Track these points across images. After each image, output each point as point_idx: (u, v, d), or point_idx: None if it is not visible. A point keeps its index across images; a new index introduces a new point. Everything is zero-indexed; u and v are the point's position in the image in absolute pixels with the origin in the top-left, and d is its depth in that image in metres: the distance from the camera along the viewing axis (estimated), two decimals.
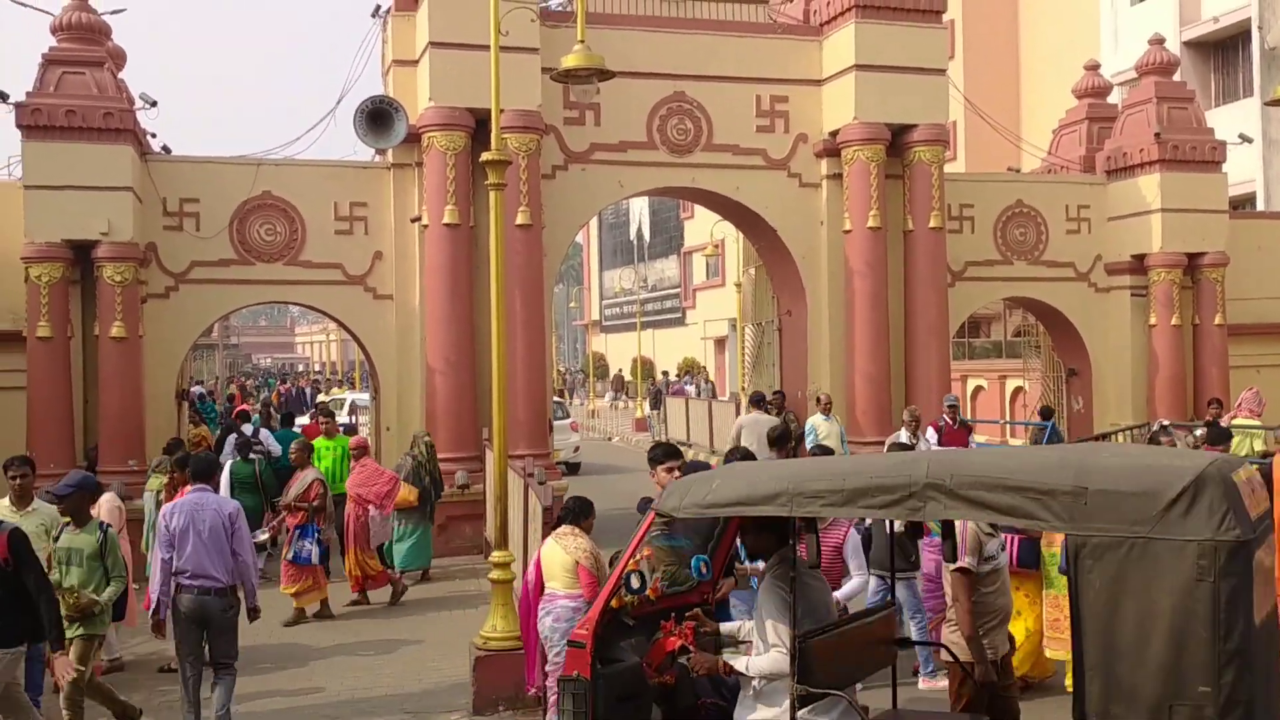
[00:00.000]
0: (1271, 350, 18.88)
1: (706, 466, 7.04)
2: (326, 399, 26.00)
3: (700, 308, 43.65)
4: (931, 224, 16.36)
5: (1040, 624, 8.16)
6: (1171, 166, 17.36)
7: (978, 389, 27.16)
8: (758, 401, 15.64)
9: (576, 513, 7.21)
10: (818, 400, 15.66)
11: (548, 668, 7.01)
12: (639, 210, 48.17)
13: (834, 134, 16.31)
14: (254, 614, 7.73)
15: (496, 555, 8.42)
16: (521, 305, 14.54)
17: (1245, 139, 19.55)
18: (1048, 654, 8.20)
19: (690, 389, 34.60)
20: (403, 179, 15.14)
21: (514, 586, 8.59)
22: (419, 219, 14.85)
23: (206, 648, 7.52)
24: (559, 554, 7.09)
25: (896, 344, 16.57)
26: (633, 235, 48.80)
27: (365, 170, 15.59)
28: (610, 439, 32.45)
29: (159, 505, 9.93)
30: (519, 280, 14.44)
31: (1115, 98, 21.06)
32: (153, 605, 7.90)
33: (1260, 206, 24.24)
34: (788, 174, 16.61)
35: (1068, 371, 18.88)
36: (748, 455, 11.04)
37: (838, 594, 6.23)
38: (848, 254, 16.35)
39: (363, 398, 28.67)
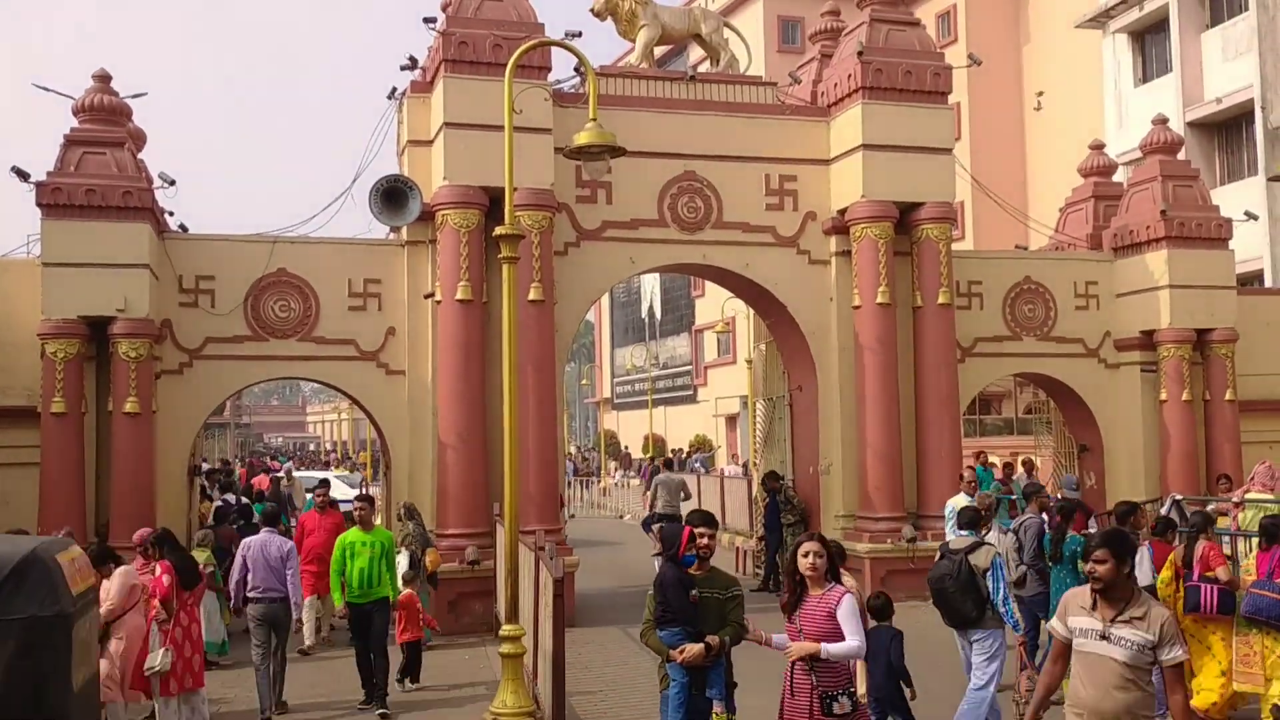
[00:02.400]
0: None
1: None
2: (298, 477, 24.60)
3: (711, 385, 43.73)
4: (940, 300, 16.46)
5: (1231, 665, 9.22)
6: (1178, 243, 17.49)
7: (970, 467, 27.00)
8: (668, 464, 21.04)
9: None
10: (962, 477, 15.54)
11: None
12: (650, 288, 48.49)
13: (842, 212, 16.50)
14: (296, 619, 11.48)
15: (507, 629, 8.38)
16: (533, 380, 14.60)
17: (1251, 216, 19.69)
18: (1235, 687, 9.20)
19: (700, 466, 34.50)
20: (416, 256, 15.32)
21: (524, 661, 8.54)
22: (432, 295, 15.00)
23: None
24: None
25: (907, 419, 16.57)
26: (644, 313, 49.06)
27: (379, 248, 15.79)
28: (622, 517, 32.30)
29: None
30: (531, 355, 14.52)
31: (1120, 176, 21.31)
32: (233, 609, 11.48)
33: (1268, 283, 24.33)
34: (797, 250, 16.77)
35: (1079, 447, 18.83)
36: (668, 517, 16.65)
37: (829, 647, 6.15)
38: (857, 329, 16.43)
39: (347, 476, 28.59)
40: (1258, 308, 18.84)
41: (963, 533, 9.22)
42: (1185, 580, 9.30)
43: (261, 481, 20.71)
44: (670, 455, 40.27)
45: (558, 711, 7.80)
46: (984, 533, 9.58)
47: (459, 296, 14.62)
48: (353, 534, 10.93)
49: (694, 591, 6.63)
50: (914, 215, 16.52)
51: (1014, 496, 15.33)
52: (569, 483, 33.85)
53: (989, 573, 8.62)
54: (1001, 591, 8.65)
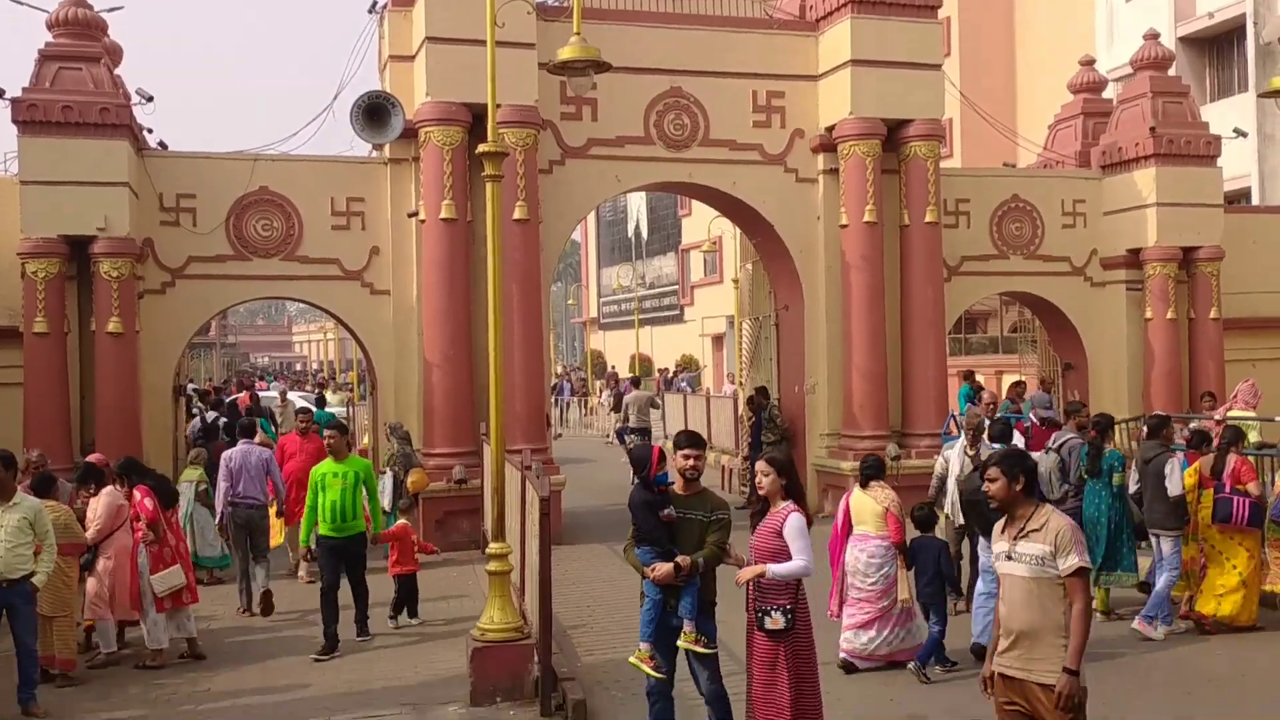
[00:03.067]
0: (1266, 344, 18.92)
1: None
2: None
3: (698, 304, 43.64)
4: (928, 219, 16.39)
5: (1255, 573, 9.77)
6: (1167, 161, 17.39)
7: (959, 384, 27.16)
8: (635, 382, 24.24)
9: (876, 469, 9.12)
10: (980, 398, 15.55)
11: (853, 594, 8.87)
12: (637, 207, 48.16)
13: (830, 129, 16.33)
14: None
15: (494, 547, 8.44)
16: (519, 300, 14.55)
17: (1240, 133, 19.58)
18: (1265, 587, 9.87)
19: (686, 386, 34.57)
20: (400, 174, 15.15)
21: (511, 578, 8.61)
22: (416, 214, 14.87)
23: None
24: (870, 503, 8.93)
25: (893, 339, 16.60)
26: (630, 233, 48.79)
27: (362, 166, 15.60)
28: (608, 437, 32.39)
29: (196, 494, 12.53)
30: (517, 275, 14.46)
31: (1110, 93, 21.10)
32: (219, 518, 11.66)
33: (1255, 201, 24.28)
34: (784, 169, 16.63)
35: (1064, 366, 18.92)
36: (639, 430, 20.54)
37: (775, 568, 6.30)
38: (844, 248, 16.37)
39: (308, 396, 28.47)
40: (1244, 226, 18.81)
41: (995, 446, 9.61)
42: (1216, 492, 9.77)
43: (244, 400, 20.93)
44: (658, 374, 40.45)
45: (545, 627, 7.90)
46: (975, 451, 9.76)
47: (443, 215, 14.49)
48: (325, 465, 10.20)
49: (666, 511, 6.60)
50: (902, 132, 16.37)
51: (1022, 416, 15.38)
52: (566, 403, 33.75)
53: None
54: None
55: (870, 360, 16.23)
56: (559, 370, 44.67)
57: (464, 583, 12.68)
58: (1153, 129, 17.20)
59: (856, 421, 16.28)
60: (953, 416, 16.86)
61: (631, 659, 6.75)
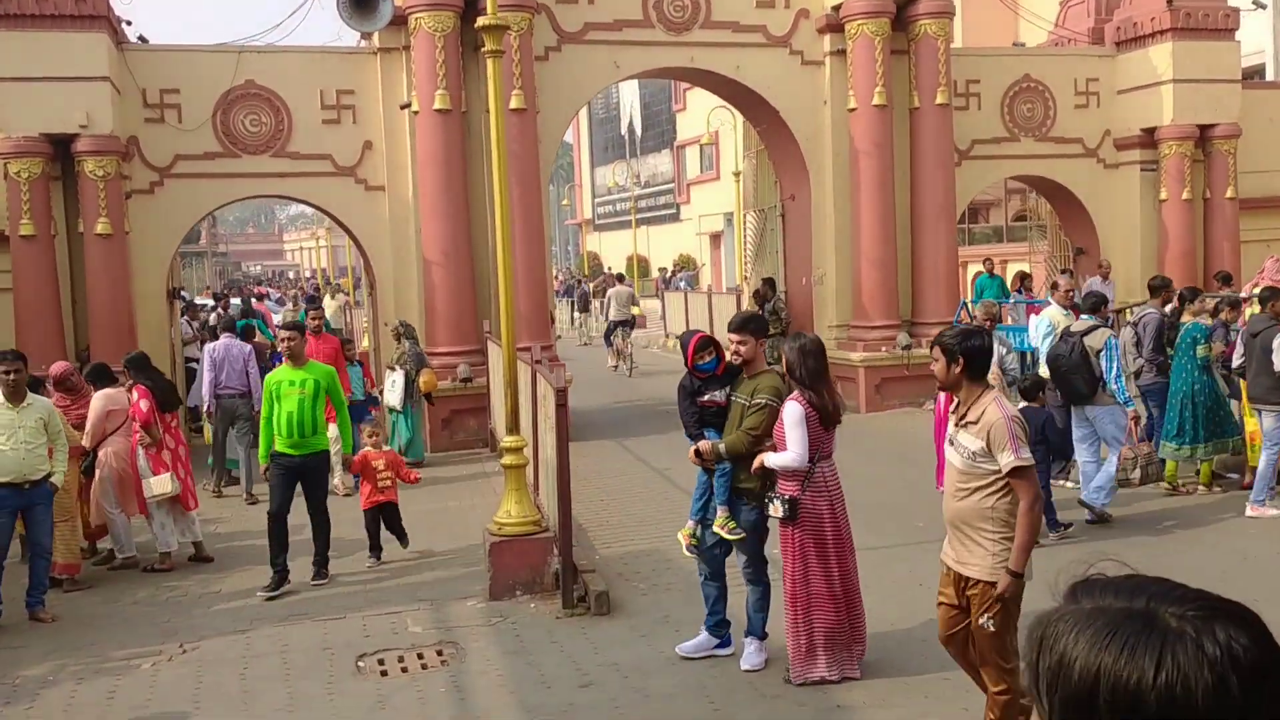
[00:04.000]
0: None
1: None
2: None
3: (695, 203, 43.01)
4: (938, 100, 15.88)
5: None
6: (1184, 35, 16.80)
7: (977, 274, 26.77)
8: (619, 278, 26.20)
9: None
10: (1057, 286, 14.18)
11: None
12: (629, 103, 47.18)
13: (836, 8, 15.71)
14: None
15: (509, 440, 8.17)
16: (518, 193, 14.05)
17: (1259, 4, 18.92)
18: None
19: (685, 285, 34.18)
20: (390, 64, 14.57)
21: (526, 472, 8.36)
22: (409, 105, 14.33)
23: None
24: None
25: (903, 226, 16.21)
26: (623, 130, 47.85)
27: (351, 56, 15.01)
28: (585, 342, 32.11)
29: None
30: (515, 167, 13.89)
31: None
32: (206, 407, 12.17)
33: (1270, 77, 23.61)
34: (789, 51, 16.04)
35: (1075, 250, 18.55)
36: (621, 323, 21.90)
37: (769, 459, 6.07)
38: (853, 133, 15.87)
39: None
40: (1260, 103, 18.23)
41: (1085, 317, 9.56)
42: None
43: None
44: (657, 274, 40.09)
45: (565, 519, 7.66)
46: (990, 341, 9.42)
47: (437, 106, 13.96)
48: (280, 372, 8.71)
49: (705, 397, 6.51)
50: (911, 10, 15.77)
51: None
52: (576, 306, 33.36)
53: (1103, 354, 9.07)
54: (1114, 371, 9.04)
55: (880, 248, 15.86)
56: (559, 275, 44.16)
57: (474, 482, 12.46)
58: (1169, 1, 16.57)
59: (866, 312, 15.96)
60: (964, 305, 16.57)
61: (679, 534, 6.69)
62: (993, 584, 4.87)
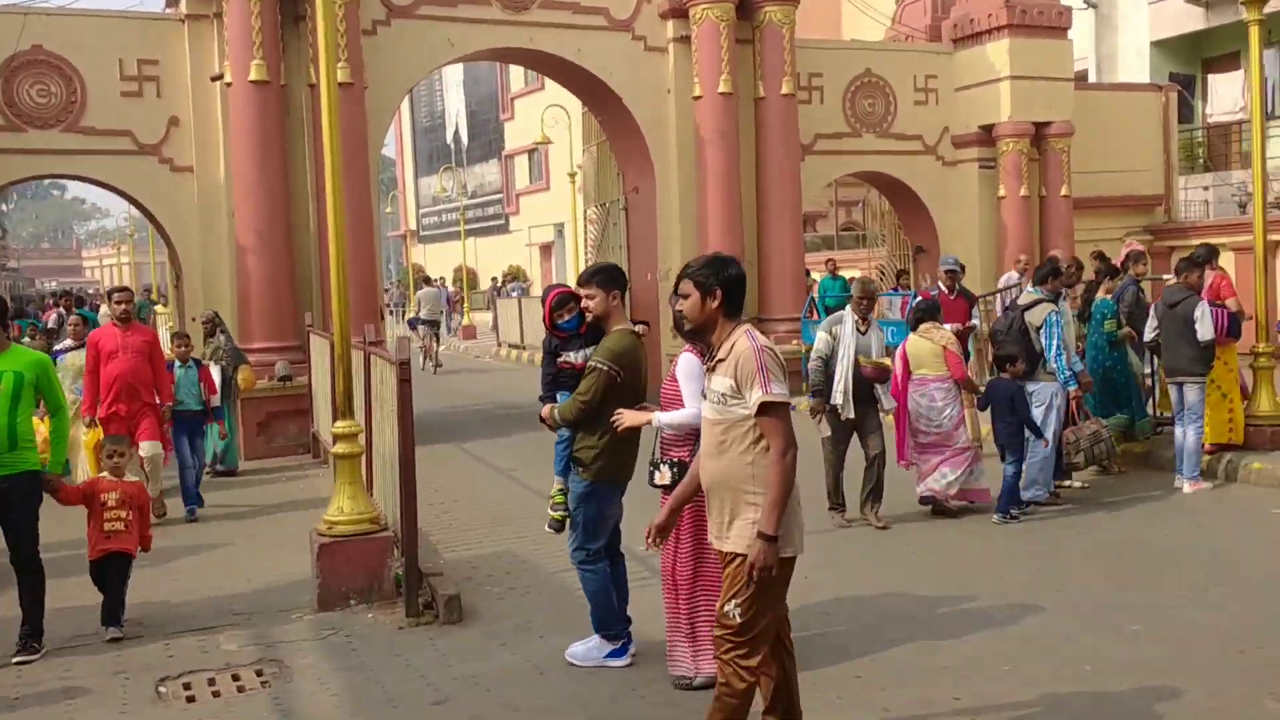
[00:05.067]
0: (1112, 223, 18.92)
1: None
2: None
3: (524, 213, 42.08)
4: (784, 90, 15.49)
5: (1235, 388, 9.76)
6: (1019, 32, 16.90)
7: (836, 274, 26.75)
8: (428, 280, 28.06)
9: (930, 311, 8.96)
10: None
11: (920, 439, 8.73)
12: (455, 111, 45.98)
13: None
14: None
15: (341, 425, 7.09)
16: (345, 173, 12.87)
17: (1091, 3, 19.27)
18: None
19: (517, 294, 33.26)
20: (200, 32, 13.22)
21: (360, 463, 7.30)
22: (220, 77, 13.02)
23: None
24: (926, 344, 8.76)
25: (749, 219, 15.71)
26: (449, 139, 46.56)
27: (156, 22, 13.58)
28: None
29: None
30: (341, 145, 12.82)
31: None
32: None
33: (1093, 80, 24.26)
34: (632, 36, 15.38)
35: (915, 249, 18.44)
36: (428, 322, 23.54)
37: (661, 416, 5.36)
38: (698, 122, 15.31)
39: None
40: (1089, 104, 18.53)
41: (1029, 290, 9.28)
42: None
43: (48, 316, 19.21)
44: (491, 283, 39.13)
45: (408, 513, 6.65)
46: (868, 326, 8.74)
47: (253, 77, 12.71)
48: None
49: (562, 358, 5.88)
50: None
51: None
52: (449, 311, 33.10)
53: (1042, 330, 8.76)
54: (1054, 348, 8.72)
55: (728, 242, 15.27)
56: (387, 289, 42.51)
57: (295, 490, 11.24)
58: None
59: None
60: (812, 300, 16.18)
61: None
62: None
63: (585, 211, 19.04)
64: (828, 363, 8.53)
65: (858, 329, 8.56)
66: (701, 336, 4.30)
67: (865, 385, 8.45)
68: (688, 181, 15.50)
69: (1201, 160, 21.65)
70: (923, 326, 8.91)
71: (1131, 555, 7.53)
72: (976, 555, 7.70)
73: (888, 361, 8.55)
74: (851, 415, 8.47)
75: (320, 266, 13.13)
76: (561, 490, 5.83)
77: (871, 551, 7.90)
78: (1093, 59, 22.95)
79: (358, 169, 13.17)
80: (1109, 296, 10.35)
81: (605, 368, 5.47)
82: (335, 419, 7.31)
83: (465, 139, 45.73)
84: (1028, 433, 8.60)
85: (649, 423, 5.39)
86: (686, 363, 5.30)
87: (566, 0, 14.84)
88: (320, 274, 13.17)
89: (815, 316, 16.18)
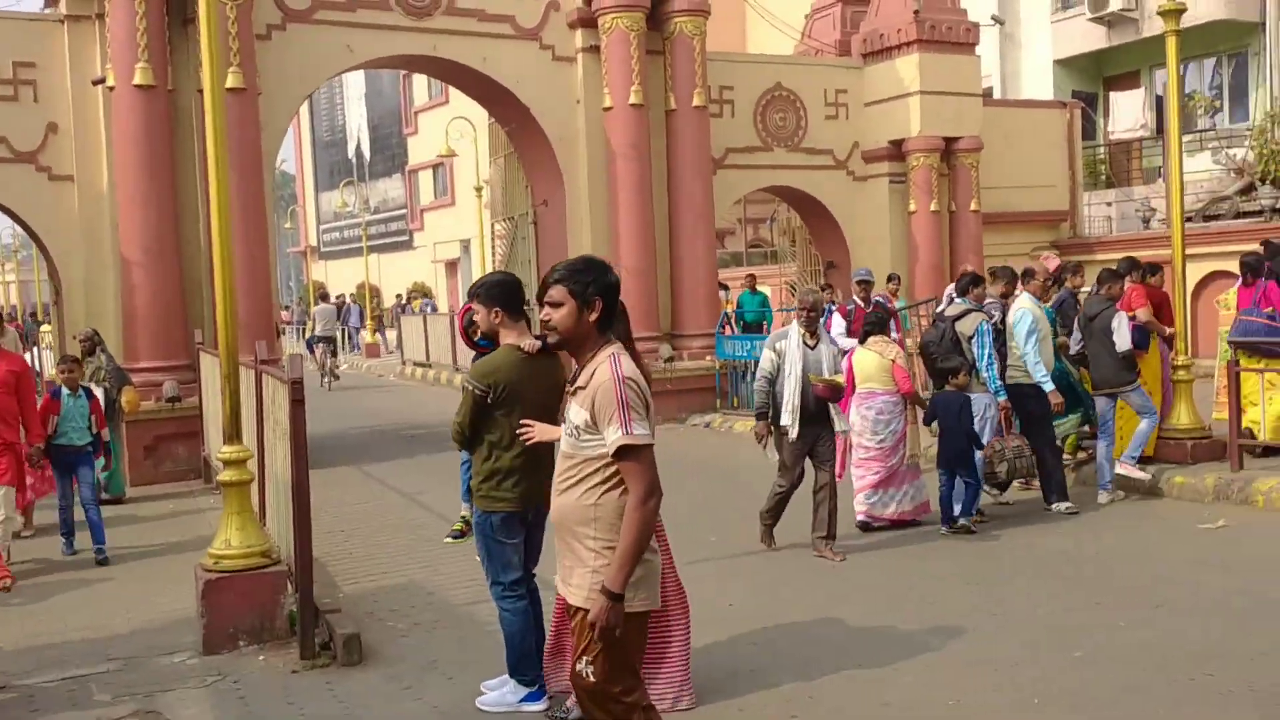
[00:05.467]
0: (1019, 238, 18.98)
1: None
2: None
3: (429, 229, 41.29)
4: (695, 102, 15.24)
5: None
6: (929, 47, 16.88)
7: (756, 289, 26.60)
8: (324, 297, 28.03)
9: (880, 324, 8.71)
10: (1031, 276, 11.05)
11: (860, 454, 8.56)
12: (357, 126, 45.04)
13: (588, 1, 14.78)
14: None
15: (228, 450, 6.51)
16: (236, 184, 12.22)
17: (998, 20, 19.40)
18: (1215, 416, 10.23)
19: (429, 309, 32.57)
20: (80, 33, 12.47)
21: (251, 493, 6.74)
22: (103, 81, 12.29)
23: None
24: (874, 358, 8.56)
25: (661, 233, 15.38)
26: (351, 153, 45.57)
27: (32, 24, 12.75)
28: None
29: None
30: (233, 155, 12.10)
31: None
32: None
33: (998, 97, 24.49)
34: (540, 45, 14.98)
35: (826, 264, 18.29)
36: (324, 338, 23.58)
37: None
38: (608, 134, 14.95)
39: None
40: (995, 119, 18.60)
41: (958, 300, 9.04)
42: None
43: None
44: (395, 300, 38.28)
45: (303, 547, 6.10)
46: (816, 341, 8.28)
47: (138, 81, 12.01)
48: None
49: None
50: (665, 7, 15.07)
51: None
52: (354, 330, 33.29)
53: (974, 340, 8.54)
54: (985, 358, 8.54)
55: (640, 256, 14.98)
56: (287, 307, 41.35)
57: (185, 520, 10.54)
58: (916, 12, 16.62)
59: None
60: (727, 315, 15.90)
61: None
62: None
63: (493, 226, 18.52)
64: (773, 382, 7.79)
65: (805, 343, 7.77)
66: (572, 352, 3.72)
67: (817, 405, 7.69)
68: (599, 194, 15.12)
69: (1104, 176, 21.94)
70: (871, 339, 8.68)
71: (1068, 573, 7.29)
72: (915, 576, 7.39)
73: (840, 378, 7.85)
74: (796, 436, 7.71)
75: (211, 281, 12.44)
76: (464, 518, 5.39)
77: (804, 575, 7.55)
78: (997, 76, 23.18)
79: (251, 178, 12.54)
80: (1049, 306, 10.22)
81: (469, 387, 5.06)
82: (224, 442, 6.73)
83: (368, 154, 44.80)
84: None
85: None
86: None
87: (471, 8, 14.38)
88: (212, 289, 12.47)
89: (730, 331, 15.94)
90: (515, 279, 5.42)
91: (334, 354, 23.95)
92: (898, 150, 17.31)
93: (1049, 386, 8.78)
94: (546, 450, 4.87)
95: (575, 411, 3.61)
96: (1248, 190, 18.70)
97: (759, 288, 18.84)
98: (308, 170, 51.25)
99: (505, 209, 17.44)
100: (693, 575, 7.21)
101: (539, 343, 5.02)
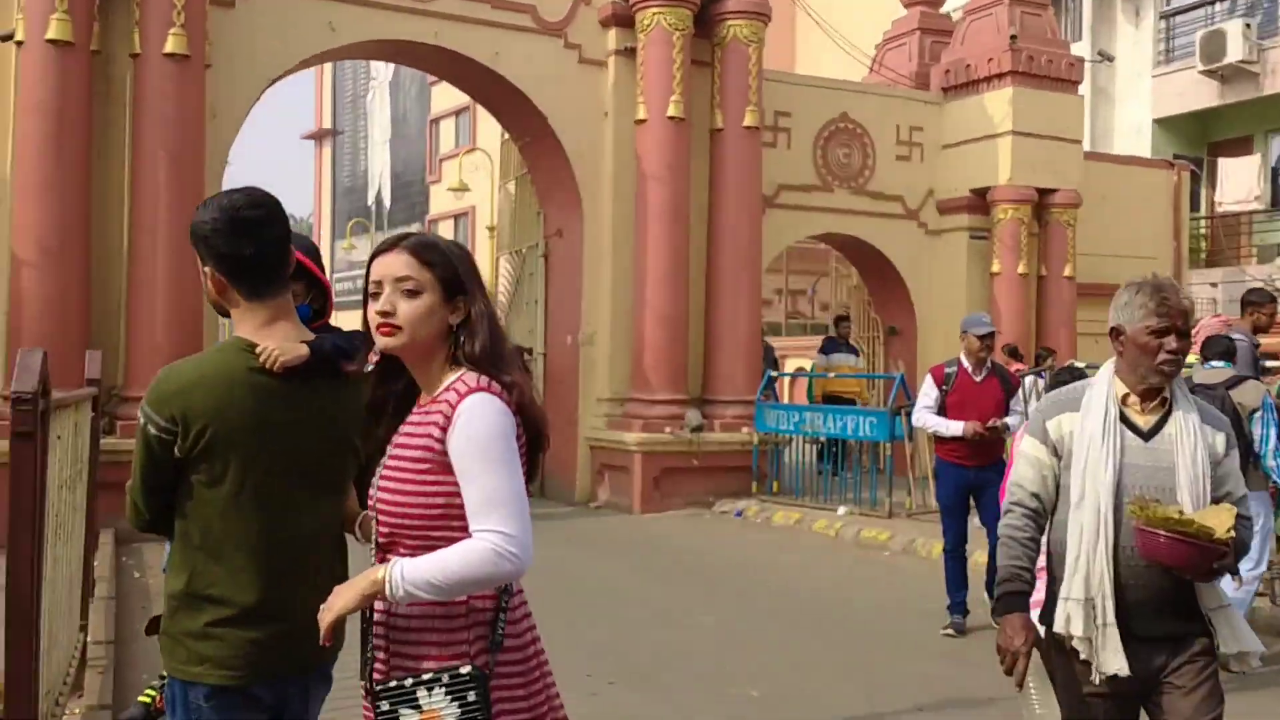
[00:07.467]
0: (1105, 316, 16.16)
1: None
2: None
3: None
4: (747, 121, 12.67)
5: None
6: (1025, 81, 14.29)
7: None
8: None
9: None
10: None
11: None
12: (379, 173, 43.10)
13: None
14: None
15: None
16: (168, 173, 9.80)
17: (1107, 56, 16.83)
18: None
19: None
20: None
21: None
22: (11, 35, 9.82)
23: None
24: None
25: (696, 278, 12.74)
26: (371, 200, 43.55)
27: None
28: None
29: None
30: (169, 135, 9.75)
31: (950, 9, 17.84)
32: None
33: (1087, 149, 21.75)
34: (565, 43, 12.50)
35: (888, 330, 15.58)
36: None
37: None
38: (640, 152, 12.38)
39: None
40: (1093, 176, 15.92)
41: (1216, 364, 6.47)
42: None
43: None
44: None
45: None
46: None
47: (52, 35, 9.52)
48: None
49: None
50: (717, 7, 12.58)
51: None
52: None
53: (1258, 416, 5.98)
54: (1272, 441, 5.92)
55: (669, 302, 12.32)
56: None
57: None
58: (1013, 38, 14.04)
59: (647, 381, 12.28)
60: (768, 379, 13.13)
61: None
62: None
63: (496, 260, 15.94)
64: (1041, 515, 3.11)
65: (1130, 424, 3.04)
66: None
67: (1162, 582, 2.94)
68: (623, 224, 12.52)
69: (1203, 253, 19.21)
70: None
71: None
72: None
73: (1225, 521, 2.86)
74: (1125, 670, 2.87)
75: (129, 288, 9.89)
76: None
77: None
78: (1087, 135, 20.55)
79: (189, 169, 9.97)
80: None
81: (141, 420, 2.44)
82: None
83: (388, 201, 42.76)
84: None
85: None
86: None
87: None
88: (129, 299, 9.92)
89: (771, 399, 13.17)
90: (283, 210, 2.63)
91: None
92: (981, 200, 14.65)
93: None
94: (329, 539, 2.54)
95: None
96: None
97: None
98: (325, 215, 49.24)
99: (512, 241, 14.85)
100: None
101: (306, 351, 2.47)
